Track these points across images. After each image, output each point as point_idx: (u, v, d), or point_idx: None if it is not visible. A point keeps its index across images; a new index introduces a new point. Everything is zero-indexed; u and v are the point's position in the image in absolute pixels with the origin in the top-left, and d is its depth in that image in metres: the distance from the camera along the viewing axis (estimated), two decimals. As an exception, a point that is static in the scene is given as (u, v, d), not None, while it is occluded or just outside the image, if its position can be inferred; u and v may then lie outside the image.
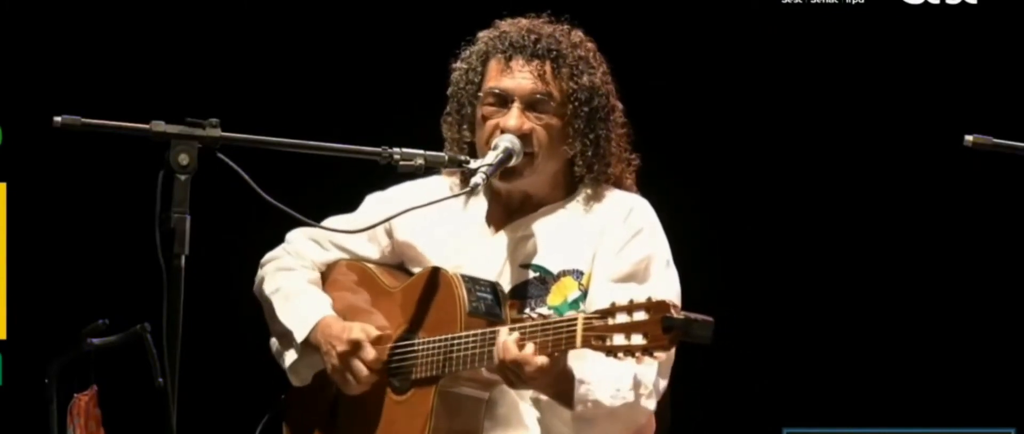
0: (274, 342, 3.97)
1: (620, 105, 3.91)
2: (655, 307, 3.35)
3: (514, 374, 3.53)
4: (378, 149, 3.63)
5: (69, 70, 5.47)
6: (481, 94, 3.84)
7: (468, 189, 3.74)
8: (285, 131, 3.62)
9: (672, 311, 3.33)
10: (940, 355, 5.51)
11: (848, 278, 5.57)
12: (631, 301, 3.38)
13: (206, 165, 3.37)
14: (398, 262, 3.99)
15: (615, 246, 3.79)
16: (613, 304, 3.40)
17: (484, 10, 4.00)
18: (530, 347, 3.50)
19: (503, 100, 3.82)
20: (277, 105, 5.46)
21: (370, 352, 3.77)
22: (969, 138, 3.60)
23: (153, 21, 5.54)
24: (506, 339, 3.53)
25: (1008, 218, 5.44)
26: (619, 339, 3.36)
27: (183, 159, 3.34)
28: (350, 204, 4.05)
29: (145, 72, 5.51)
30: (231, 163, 3.41)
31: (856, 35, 5.48)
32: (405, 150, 3.65)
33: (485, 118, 3.83)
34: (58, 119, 3.37)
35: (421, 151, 3.67)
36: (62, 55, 5.50)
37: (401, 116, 5.29)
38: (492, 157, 3.78)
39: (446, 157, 3.74)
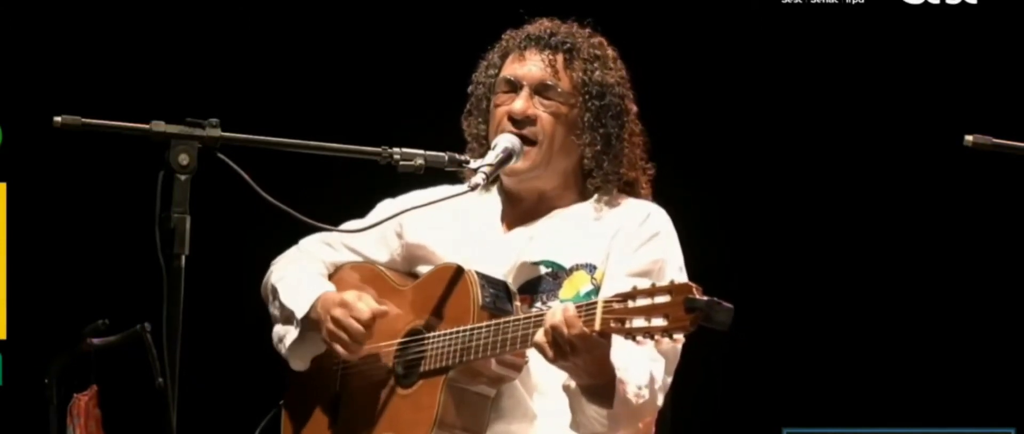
0: (277, 330, 3.95)
1: (635, 109, 3.91)
2: (678, 288, 3.34)
3: (557, 340, 3.45)
4: (378, 149, 3.63)
5: (69, 70, 5.47)
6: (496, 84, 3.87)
7: (467, 188, 3.75)
8: (285, 131, 3.62)
9: (695, 292, 3.33)
10: (940, 355, 5.51)
11: (848, 278, 5.57)
12: (653, 285, 3.38)
13: (206, 165, 3.37)
14: (408, 267, 3.98)
15: (632, 245, 3.79)
16: (634, 288, 3.39)
17: (484, 11, 4.01)
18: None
19: (514, 87, 3.84)
20: (277, 105, 5.46)
21: (363, 310, 3.76)
22: (969, 138, 3.60)
23: (153, 21, 5.54)
24: (564, 305, 3.51)
25: (1008, 218, 5.44)
26: (639, 322, 3.35)
27: (183, 159, 3.34)
28: (349, 204, 4.05)
29: (145, 72, 5.51)
30: (231, 163, 3.41)
31: (856, 35, 5.48)
32: (405, 150, 3.65)
33: (497, 106, 3.85)
34: (58, 119, 3.37)
35: (421, 151, 3.67)
36: (62, 55, 5.50)
37: (401, 116, 5.30)
38: (492, 157, 3.79)
39: (446, 157, 3.74)
